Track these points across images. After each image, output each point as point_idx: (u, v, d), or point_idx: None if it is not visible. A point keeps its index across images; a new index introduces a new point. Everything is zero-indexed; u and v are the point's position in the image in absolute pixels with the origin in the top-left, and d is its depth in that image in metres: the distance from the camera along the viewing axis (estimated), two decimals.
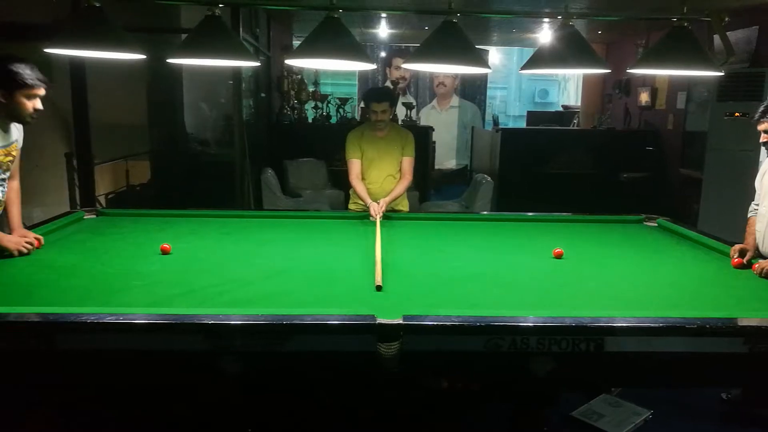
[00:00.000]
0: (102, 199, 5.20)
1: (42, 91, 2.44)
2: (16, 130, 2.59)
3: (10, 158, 2.57)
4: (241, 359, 1.77)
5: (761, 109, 2.52)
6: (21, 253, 2.48)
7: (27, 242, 2.53)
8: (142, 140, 5.88)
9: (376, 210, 3.42)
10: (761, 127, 2.53)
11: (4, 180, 2.59)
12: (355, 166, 3.72)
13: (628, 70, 2.90)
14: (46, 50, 2.55)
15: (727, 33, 2.85)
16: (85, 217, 3.25)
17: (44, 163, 5.19)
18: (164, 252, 2.59)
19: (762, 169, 2.71)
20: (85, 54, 2.83)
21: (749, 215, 2.75)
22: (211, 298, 2.06)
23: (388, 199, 3.57)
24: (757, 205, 2.69)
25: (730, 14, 2.79)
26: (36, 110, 2.45)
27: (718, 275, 2.48)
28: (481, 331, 1.74)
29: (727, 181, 5.42)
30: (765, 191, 2.61)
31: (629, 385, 2.82)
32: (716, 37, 2.91)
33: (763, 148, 2.64)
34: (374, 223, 3.27)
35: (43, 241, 2.65)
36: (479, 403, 2.86)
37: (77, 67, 4.48)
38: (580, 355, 1.77)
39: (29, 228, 2.80)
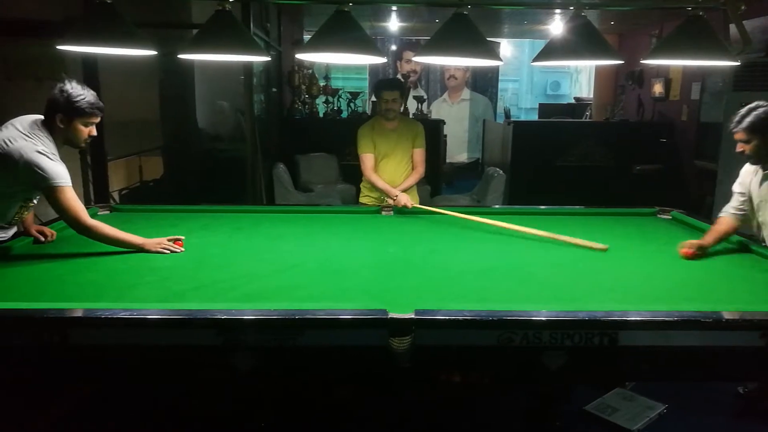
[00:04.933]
0: (116, 195, 5.24)
1: (98, 119, 2.49)
2: None
3: None
4: (254, 354, 1.77)
5: (736, 118, 2.46)
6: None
7: (42, 235, 2.58)
8: (154, 136, 5.91)
9: (405, 201, 3.43)
10: (737, 136, 2.47)
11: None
12: (368, 160, 3.71)
13: (642, 61, 2.86)
14: (59, 47, 2.56)
15: (744, 22, 2.80)
16: (99, 213, 3.27)
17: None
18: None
19: (745, 174, 2.64)
20: (98, 51, 2.85)
21: (721, 215, 2.71)
22: (223, 293, 2.07)
23: (402, 188, 3.59)
24: (739, 209, 2.64)
25: (747, 2, 2.74)
26: (90, 136, 2.50)
27: (733, 268, 2.45)
28: (493, 326, 1.74)
29: None
30: (764, 199, 2.54)
31: (643, 379, 2.80)
32: (732, 26, 2.86)
33: None
34: (406, 209, 3.38)
35: (55, 236, 2.69)
36: (492, 398, 2.85)
37: (90, 63, 4.51)
38: (593, 349, 1.76)
39: (45, 224, 2.83)
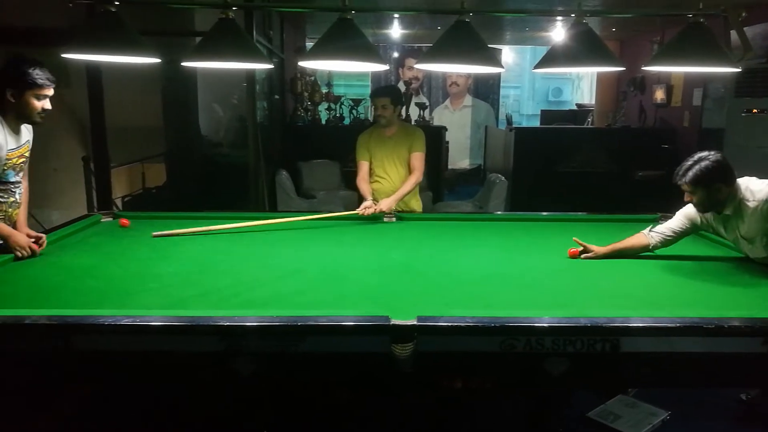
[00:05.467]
0: (119, 202, 5.26)
1: (50, 91, 2.48)
2: (27, 132, 2.63)
3: (24, 159, 2.62)
4: (256, 360, 1.77)
5: (680, 170, 2.44)
6: (26, 256, 2.47)
7: (30, 246, 2.51)
8: (157, 143, 5.94)
9: (367, 207, 3.45)
10: (683, 188, 2.46)
11: (19, 182, 2.63)
12: (361, 169, 3.76)
13: (643, 68, 2.87)
14: (63, 55, 2.58)
15: (744, 28, 2.81)
16: (102, 220, 3.28)
17: (62, 167, 5.27)
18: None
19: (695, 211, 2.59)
20: (102, 58, 2.86)
21: (644, 231, 2.68)
22: (225, 300, 2.07)
23: (394, 197, 3.58)
24: (669, 235, 2.63)
25: (747, 9, 2.75)
26: (44, 110, 2.49)
27: (735, 274, 2.45)
28: (495, 332, 1.74)
29: None
30: (742, 236, 2.51)
31: (646, 385, 2.79)
32: (733, 33, 2.87)
33: None
34: (375, 218, 3.37)
35: (46, 241, 2.63)
36: (494, 404, 2.84)
37: (93, 71, 4.53)
38: (595, 356, 1.75)
39: (48, 230, 2.84)
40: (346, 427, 2.68)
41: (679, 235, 2.66)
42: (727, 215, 2.48)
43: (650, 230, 2.68)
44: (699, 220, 2.61)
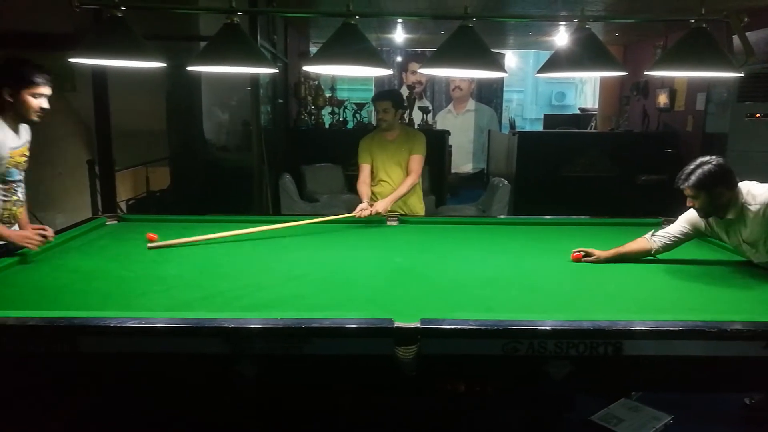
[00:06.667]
0: (123, 205, 5.28)
1: (47, 90, 2.51)
2: (26, 132, 2.67)
3: (25, 158, 2.66)
4: (260, 363, 1.79)
5: (683, 174, 2.44)
6: (32, 244, 2.50)
7: (38, 233, 2.55)
8: (161, 147, 5.96)
9: (363, 209, 3.45)
10: (685, 192, 2.46)
11: (21, 180, 2.66)
12: (362, 172, 3.78)
13: (646, 72, 2.88)
14: (70, 59, 2.60)
15: (747, 33, 2.82)
16: (107, 223, 3.31)
17: (67, 170, 5.30)
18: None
19: (696, 216, 2.59)
20: (108, 63, 2.89)
21: (646, 236, 2.68)
22: (230, 303, 2.09)
23: (389, 198, 3.58)
24: (671, 239, 2.63)
25: (750, 14, 2.76)
26: (42, 109, 2.52)
27: (737, 278, 2.45)
28: (498, 335, 1.74)
29: None
30: (745, 241, 2.51)
31: (648, 389, 2.79)
32: (735, 38, 2.88)
33: None
34: (378, 222, 3.37)
35: (53, 234, 2.67)
36: (497, 407, 2.84)
37: (99, 75, 4.56)
38: (598, 359, 1.76)
39: (53, 233, 2.86)
40: (349, 429, 2.68)
41: (680, 240, 2.66)
42: (729, 220, 2.49)
43: (652, 235, 2.69)
44: (701, 225, 2.62)
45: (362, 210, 3.46)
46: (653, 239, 2.67)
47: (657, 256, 2.67)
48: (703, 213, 2.52)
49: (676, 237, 2.66)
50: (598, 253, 2.65)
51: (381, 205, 3.49)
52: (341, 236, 3.18)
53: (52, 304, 2.04)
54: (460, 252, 2.89)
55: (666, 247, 2.66)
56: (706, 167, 2.41)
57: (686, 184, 2.43)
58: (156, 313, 1.88)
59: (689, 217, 2.65)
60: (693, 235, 2.67)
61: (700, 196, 2.44)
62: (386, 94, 3.92)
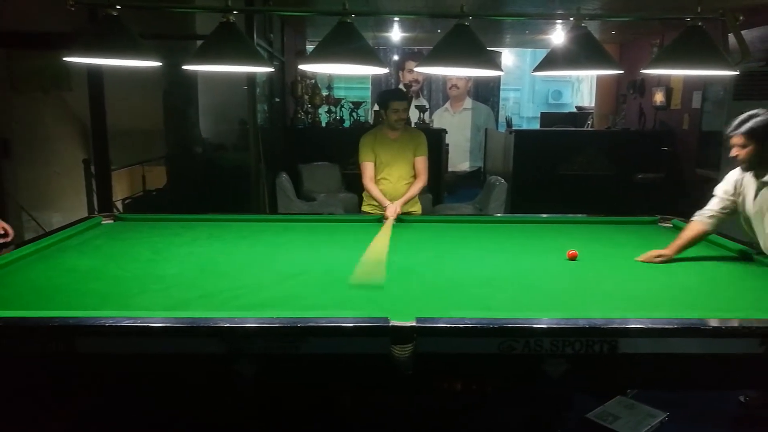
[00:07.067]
0: (119, 204, 5.27)
1: None
2: None
3: None
4: (258, 362, 1.79)
5: (736, 122, 2.45)
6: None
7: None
8: (158, 145, 5.95)
9: (392, 211, 3.44)
10: (734, 140, 2.47)
11: None
12: (368, 169, 3.73)
13: (642, 71, 2.89)
14: (66, 58, 2.60)
15: (743, 32, 2.82)
16: (102, 222, 3.30)
17: (63, 170, 5.28)
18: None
19: (732, 182, 2.62)
20: (104, 62, 2.88)
21: (694, 218, 2.69)
22: (227, 302, 2.08)
23: (403, 200, 3.59)
24: (718, 213, 2.63)
25: (745, 13, 2.77)
26: None
27: (733, 276, 2.46)
28: (494, 333, 1.75)
29: None
30: (759, 210, 2.53)
31: (644, 387, 2.80)
32: (731, 36, 2.88)
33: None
34: (374, 220, 3.31)
35: (13, 235, 2.68)
36: (493, 406, 2.85)
37: (95, 74, 4.54)
38: (594, 357, 1.77)
39: (49, 233, 2.86)
40: (346, 428, 2.69)
41: (727, 214, 2.65)
42: (764, 182, 2.48)
43: (701, 216, 2.66)
44: (732, 189, 2.60)
45: (393, 211, 3.44)
46: (707, 221, 2.65)
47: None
48: (747, 165, 2.51)
49: (724, 209, 2.65)
50: (665, 251, 2.62)
51: (393, 209, 3.48)
52: (338, 235, 3.18)
53: (47, 303, 2.04)
54: (456, 250, 2.89)
55: (719, 224, 2.65)
56: (759, 118, 2.42)
57: (739, 131, 2.44)
58: (152, 313, 1.88)
59: (725, 188, 2.65)
60: (732, 205, 2.64)
61: (749, 145, 2.43)
62: (404, 94, 3.91)
